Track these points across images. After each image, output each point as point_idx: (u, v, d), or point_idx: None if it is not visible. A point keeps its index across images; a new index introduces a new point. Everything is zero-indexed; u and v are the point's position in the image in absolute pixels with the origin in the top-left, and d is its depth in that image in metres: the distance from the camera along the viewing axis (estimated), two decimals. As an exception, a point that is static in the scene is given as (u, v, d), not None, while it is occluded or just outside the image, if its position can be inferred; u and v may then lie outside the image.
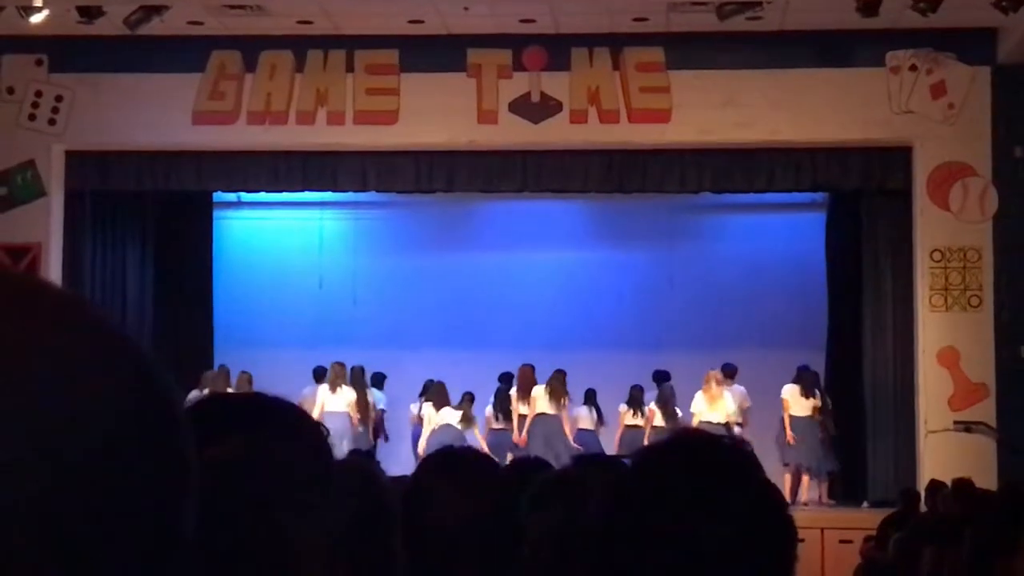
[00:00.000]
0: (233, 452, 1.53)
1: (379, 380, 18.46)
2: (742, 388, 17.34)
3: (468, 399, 17.43)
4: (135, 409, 0.88)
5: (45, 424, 0.83)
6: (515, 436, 17.09)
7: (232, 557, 1.47)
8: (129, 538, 0.86)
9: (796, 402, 16.98)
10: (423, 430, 17.36)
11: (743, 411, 17.15)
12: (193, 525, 0.91)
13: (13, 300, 0.88)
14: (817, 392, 17.08)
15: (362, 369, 17.72)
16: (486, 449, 15.87)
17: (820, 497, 16.88)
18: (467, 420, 17.17)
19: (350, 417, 17.12)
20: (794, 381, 17.08)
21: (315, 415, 16.65)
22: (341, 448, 16.26)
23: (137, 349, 0.91)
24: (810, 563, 14.41)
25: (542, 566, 2.97)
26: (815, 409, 16.98)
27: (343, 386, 17.18)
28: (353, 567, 2.57)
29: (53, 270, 16.38)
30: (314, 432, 1.66)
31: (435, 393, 17.48)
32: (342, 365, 17.39)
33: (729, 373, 17.30)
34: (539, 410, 16.99)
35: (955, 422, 15.50)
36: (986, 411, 15.55)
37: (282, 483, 1.56)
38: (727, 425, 16.67)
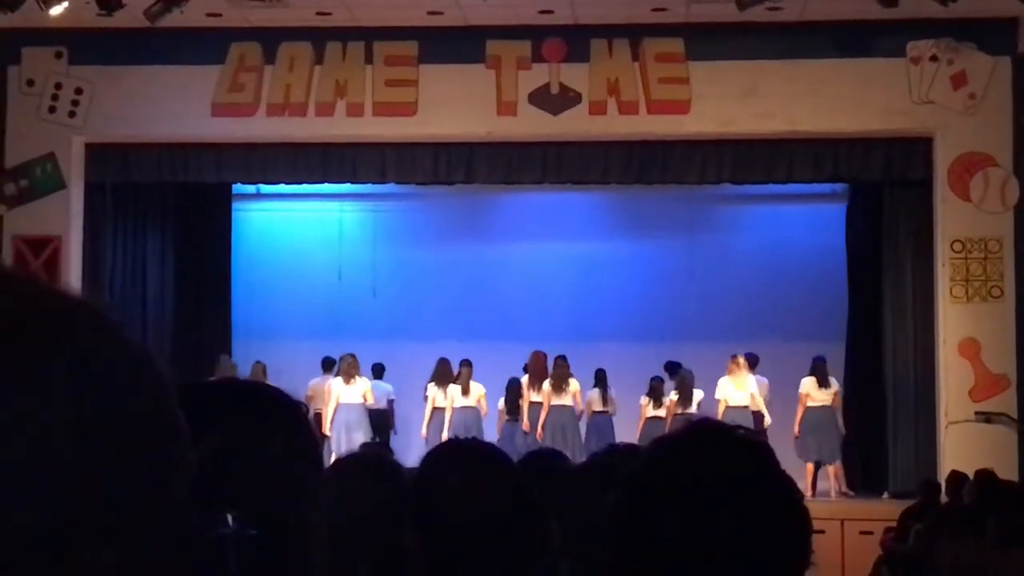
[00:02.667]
0: (223, 441, 1.52)
1: (379, 371, 18.45)
2: (765, 379, 17.34)
3: (466, 365, 17.44)
4: (139, 414, 0.88)
5: (50, 426, 0.83)
6: (524, 425, 17.09)
7: (237, 547, 1.47)
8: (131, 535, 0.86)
9: (814, 393, 16.95)
10: (425, 410, 17.41)
11: (764, 401, 17.13)
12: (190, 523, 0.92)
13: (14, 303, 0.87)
14: (832, 381, 17.08)
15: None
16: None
17: (840, 487, 16.83)
18: (467, 392, 17.19)
19: (365, 408, 17.18)
20: (811, 373, 17.06)
21: (330, 407, 16.73)
22: (355, 439, 16.33)
23: (140, 352, 0.91)
24: (830, 554, 14.40)
25: (572, 554, 2.97)
26: (834, 397, 17.01)
27: (357, 377, 17.20)
28: (370, 556, 2.57)
29: (73, 262, 16.42)
30: (297, 412, 1.66)
31: (437, 372, 17.55)
32: (354, 356, 17.40)
33: (751, 362, 17.30)
34: (550, 402, 17.03)
35: (976, 413, 15.46)
36: (1007, 402, 15.50)
37: (278, 467, 1.56)
38: (756, 412, 16.69)
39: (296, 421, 1.63)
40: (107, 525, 0.85)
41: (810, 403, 16.91)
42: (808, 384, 16.98)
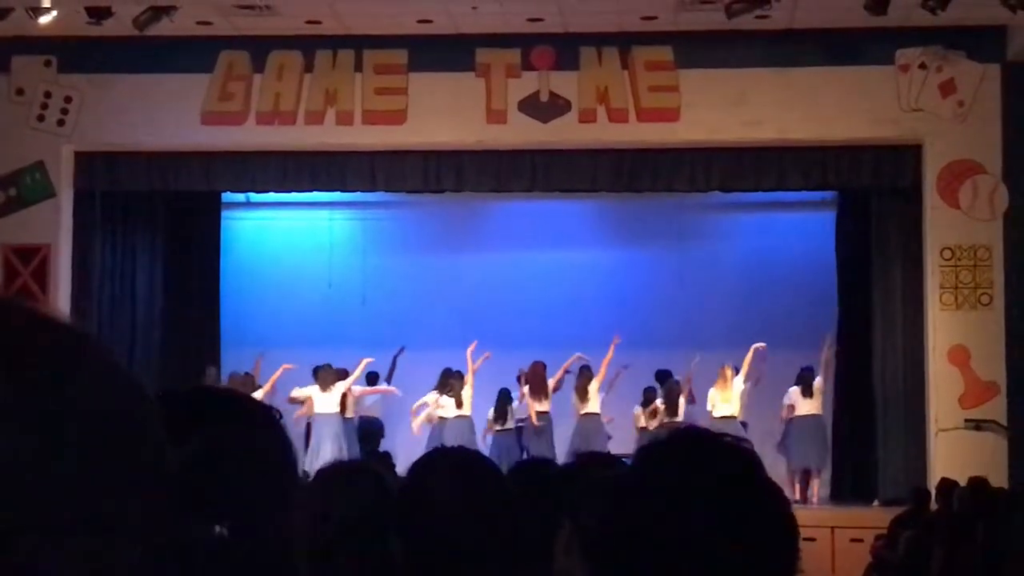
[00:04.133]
0: (201, 447, 1.52)
1: (373, 380, 18.45)
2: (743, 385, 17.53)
3: (457, 377, 17.41)
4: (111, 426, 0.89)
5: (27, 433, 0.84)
6: (533, 422, 17.19)
7: (217, 551, 1.46)
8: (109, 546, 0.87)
9: (799, 403, 17.09)
10: (422, 415, 17.38)
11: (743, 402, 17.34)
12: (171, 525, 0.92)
13: None
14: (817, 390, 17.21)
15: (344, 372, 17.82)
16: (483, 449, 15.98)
17: (815, 495, 16.98)
18: (460, 404, 17.19)
19: (341, 419, 17.14)
20: (796, 382, 17.20)
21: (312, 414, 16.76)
22: (327, 449, 16.26)
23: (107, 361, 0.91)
24: (820, 562, 14.40)
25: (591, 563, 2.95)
26: (819, 406, 17.16)
27: (333, 388, 17.16)
28: (355, 564, 2.56)
29: (63, 271, 16.40)
30: (271, 418, 1.66)
31: (440, 383, 17.57)
32: (329, 366, 17.40)
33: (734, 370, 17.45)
34: (584, 410, 17.16)
35: (966, 420, 15.47)
36: (997, 409, 15.52)
37: (256, 473, 1.56)
38: (742, 422, 16.79)
39: (268, 424, 1.63)
40: (84, 529, 0.85)
41: (797, 413, 17.06)
42: (793, 394, 17.13)
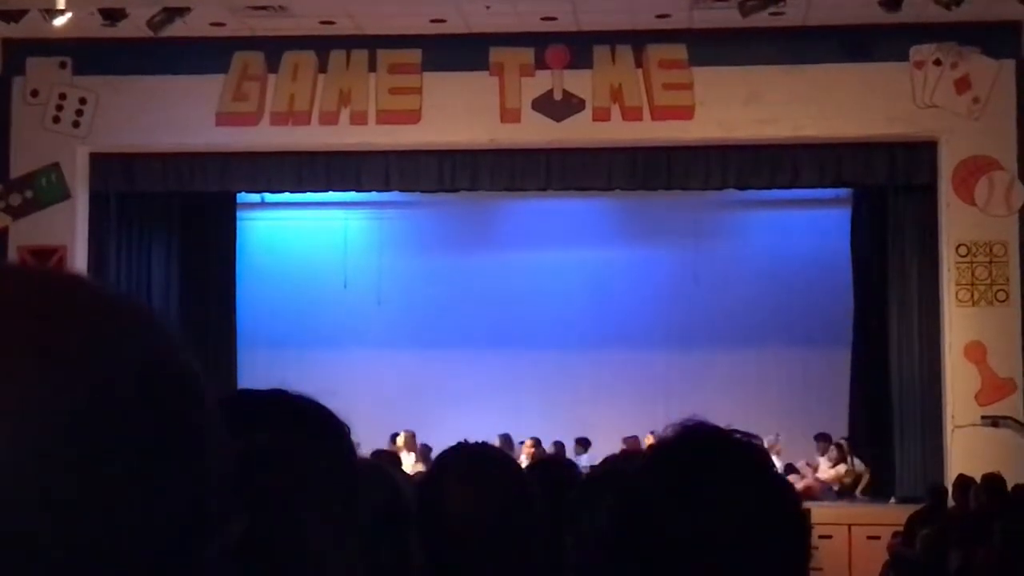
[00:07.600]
0: (255, 448, 1.52)
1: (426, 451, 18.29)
2: None
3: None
4: (146, 393, 0.88)
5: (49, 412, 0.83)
6: None
7: (250, 554, 1.46)
8: (143, 527, 0.86)
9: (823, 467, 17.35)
10: None
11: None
12: (216, 514, 0.91)
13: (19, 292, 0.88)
14: None
15: None
16: None
17: None
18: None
19: None
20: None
21: None
22: None
23: (152, 329, 0.91)
24: (837, 559, 14.39)
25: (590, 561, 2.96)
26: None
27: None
28: (371, 565, 2.56)
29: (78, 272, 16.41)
30: (338, 430, 1.65)
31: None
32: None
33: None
34: None
35: (982, 417, 15.44)
36: (1014, 406, 15.49)
37: (305, 481, 1.55)
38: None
39: (338, 442, 1.63)
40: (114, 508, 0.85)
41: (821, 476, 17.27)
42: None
